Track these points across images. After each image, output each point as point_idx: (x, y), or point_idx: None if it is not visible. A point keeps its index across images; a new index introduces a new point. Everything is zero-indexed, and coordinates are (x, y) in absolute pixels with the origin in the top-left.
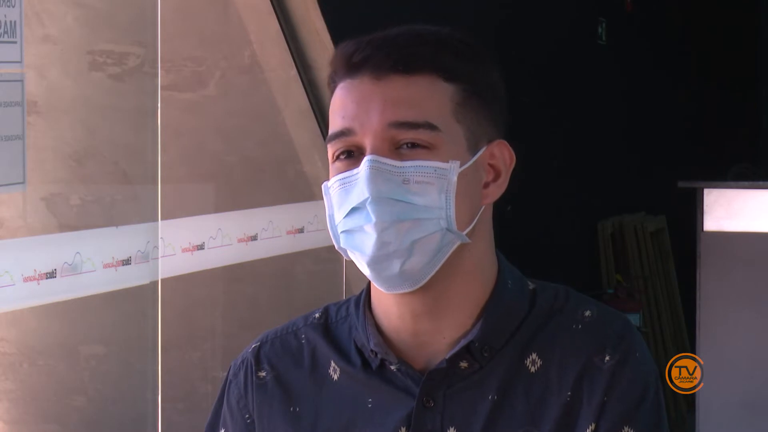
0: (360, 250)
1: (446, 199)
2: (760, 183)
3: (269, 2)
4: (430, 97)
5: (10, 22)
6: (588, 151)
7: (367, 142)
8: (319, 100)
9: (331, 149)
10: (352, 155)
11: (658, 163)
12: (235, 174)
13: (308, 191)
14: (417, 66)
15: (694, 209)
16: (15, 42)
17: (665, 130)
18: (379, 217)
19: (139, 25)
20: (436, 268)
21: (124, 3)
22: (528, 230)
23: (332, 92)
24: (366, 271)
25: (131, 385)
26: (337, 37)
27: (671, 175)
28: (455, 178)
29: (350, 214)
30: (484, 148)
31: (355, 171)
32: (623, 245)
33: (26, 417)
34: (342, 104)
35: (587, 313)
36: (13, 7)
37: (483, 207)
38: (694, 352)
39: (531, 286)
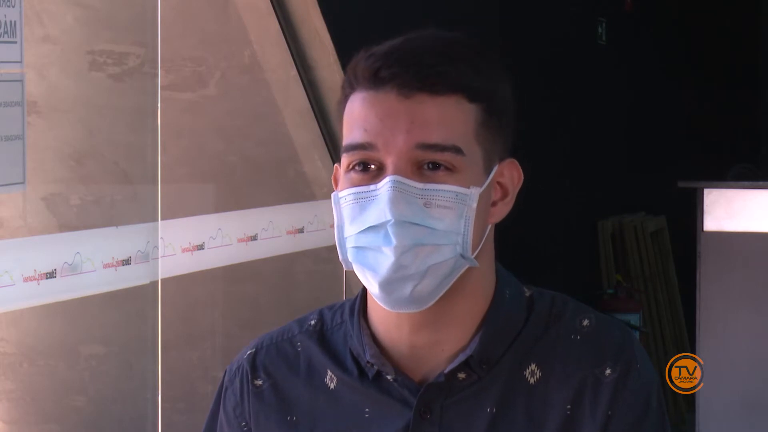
0: (373, 270)
1: (465, 225)
2: (760, 183)
3: (269, 2)
4: (456, 118)
5: (10, 22)
6: (588, 150)
7: (390, 161)
8: (319, 100)
9: (347, 159)
10: (368, 169)
11: (658, 163)
12: (235, 174)
13: (308, 191)
14: (444, 87)
15: (694, 209)
16: (15, 42)
17: (665, 130)
18: (400, 241)
19: (139, 25)
20: (443, 291)
21: (124, 3)
22: (528, 230)
23: (346, 97)
24: (375, 290)
25: (131, 385)
26: (337, 37)
27: (671, 175)
28: (475, 205)
29: (366, 231)
30: (495, 168)
31: (372, 187)
32: (623, 245)
33: (26, 417)
34: (364, 117)
35: (585, 322)
36: (13, 7)
37: (489, 226)
38: (694, 352)
39: (528, 292)
